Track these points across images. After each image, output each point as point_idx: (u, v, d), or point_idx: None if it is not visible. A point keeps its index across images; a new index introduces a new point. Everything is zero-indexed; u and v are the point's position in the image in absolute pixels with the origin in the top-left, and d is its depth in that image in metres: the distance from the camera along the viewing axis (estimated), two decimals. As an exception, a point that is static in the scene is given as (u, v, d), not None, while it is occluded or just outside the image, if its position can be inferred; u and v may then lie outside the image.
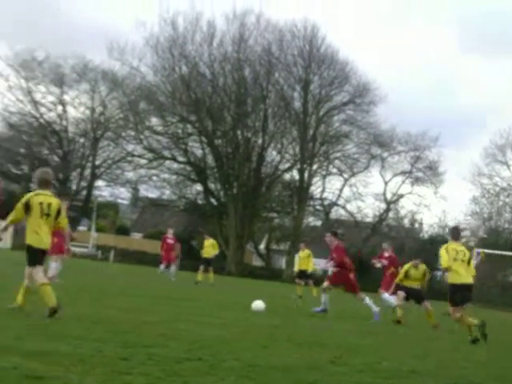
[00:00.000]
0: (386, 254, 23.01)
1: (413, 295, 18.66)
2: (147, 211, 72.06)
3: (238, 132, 62.83)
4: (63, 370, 6.54)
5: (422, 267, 18.63)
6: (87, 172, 66.96)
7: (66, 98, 65.18)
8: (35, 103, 64.68)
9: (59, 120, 65.71)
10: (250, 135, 63.16)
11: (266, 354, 9.23)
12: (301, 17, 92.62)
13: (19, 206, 11.32)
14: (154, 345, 8.78)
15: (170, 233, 33.09)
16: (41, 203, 11.27)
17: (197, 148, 64.71)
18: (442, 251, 14.42)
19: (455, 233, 15.39)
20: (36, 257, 11.30)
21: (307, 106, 63.09)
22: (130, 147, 65.22)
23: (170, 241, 32.61)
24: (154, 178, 66.02)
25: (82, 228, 69.50)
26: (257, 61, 61.86)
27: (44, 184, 11.60)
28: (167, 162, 65.33)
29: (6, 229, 11.80)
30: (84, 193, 67.46)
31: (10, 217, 11.44)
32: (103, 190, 69.14)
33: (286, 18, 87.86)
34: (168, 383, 6.56)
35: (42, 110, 65.19)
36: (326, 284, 18.86)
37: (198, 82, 61.99)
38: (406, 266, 18.76)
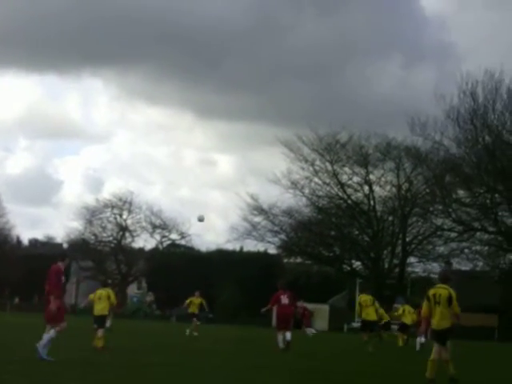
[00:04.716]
0: None
1: None
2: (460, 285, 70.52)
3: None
4: None
5: None
6: (398, 249, 67.09)
7: (372, 177, 66.44)
8: (342, 185, 66.55)
9: (366, 200, 66.99)
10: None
11: None
12: None
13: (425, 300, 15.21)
14: None
15: None
16: (434, 294, 14.92)
17: (507, 217, 62.27)
18: None
19: None
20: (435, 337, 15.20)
21: None
22: (438, 221, 64.58)
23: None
24: (466, 250, 64.55)
25: (396, 305, 69.71)
26: None
27: (443, 279, 15.44)
28: (478, 234, 63.57)
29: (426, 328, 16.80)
30: (397, 270, 67.49)
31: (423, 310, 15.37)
32: (415, 267, 68.94)
33: None
34: None
35: (349, 191, 67.00)
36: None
37: (502, 151, 59.80)
38: None
